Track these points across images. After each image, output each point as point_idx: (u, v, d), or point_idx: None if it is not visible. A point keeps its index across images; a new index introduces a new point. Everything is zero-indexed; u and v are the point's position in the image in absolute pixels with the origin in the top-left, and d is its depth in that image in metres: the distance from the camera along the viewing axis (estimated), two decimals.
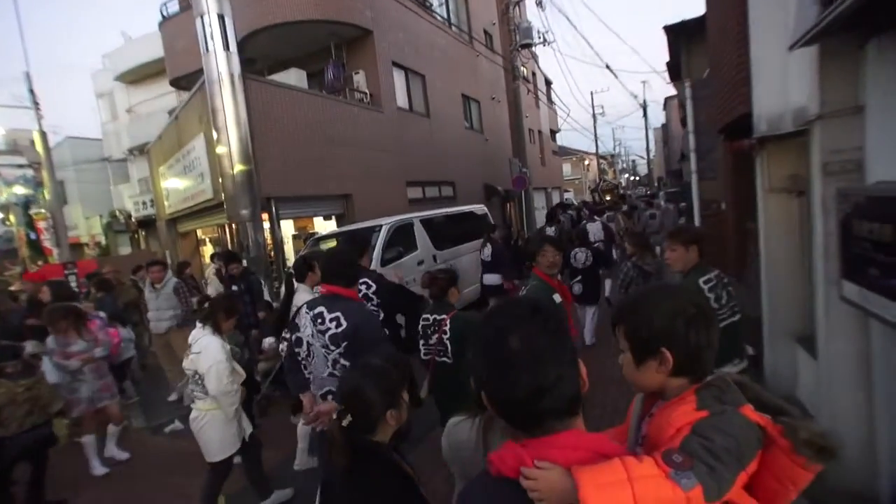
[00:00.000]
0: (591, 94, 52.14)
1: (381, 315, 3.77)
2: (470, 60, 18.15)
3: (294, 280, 4.20)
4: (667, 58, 19.59)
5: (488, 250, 7.61)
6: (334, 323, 2.51)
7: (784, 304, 4.45)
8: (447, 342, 3.06)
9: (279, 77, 9.72)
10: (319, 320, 2.54)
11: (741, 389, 1.13)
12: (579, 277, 6.56)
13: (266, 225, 8.95)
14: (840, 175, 3.20)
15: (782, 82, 3.82)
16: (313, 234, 9.91)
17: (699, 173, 6.02)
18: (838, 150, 3.21)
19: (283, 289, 5.27)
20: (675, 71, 19.83)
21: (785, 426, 1.04)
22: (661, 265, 4.72)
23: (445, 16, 16.66)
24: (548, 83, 32.64)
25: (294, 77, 9.97)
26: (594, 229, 8.95)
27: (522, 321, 0.98)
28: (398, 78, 13.34)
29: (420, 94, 14.49)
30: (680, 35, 15.76)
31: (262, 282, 6.66)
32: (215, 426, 3.23)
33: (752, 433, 1.03)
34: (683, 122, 22.34)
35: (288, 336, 2.82)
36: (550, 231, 10.16)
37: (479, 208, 10.43)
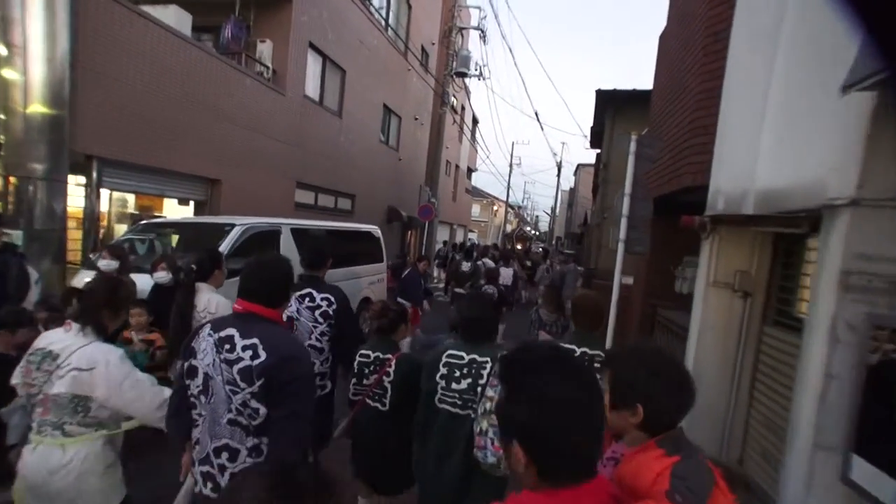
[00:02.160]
0: (513, 143, 53.04)
1: (327, 350, 3.37)
2: (400, 72, 17.30)
3: (191, 278, 3.52)
4: (590, 125, 20.01)
5: (406, 272, 7.87)
6: (249, 352, 1.90)
7: (701, 420, 3.63)
8: (387, 385, 2.80)
9: (152, 10, 7.68)
10: (227, 346, 1.93)
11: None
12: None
13: (80, 192, 6.76)
14: (865, 293, 2.22)
15: (751, 157, 3.19)
16: (152, 217, 7.80)
17: (627, 244, 4.91)
18: (871, 256, 2.22)
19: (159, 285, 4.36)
20: (596, 137, 20.31)
21: (723, 467, 1.40)
22: (563, 323, 5.26)
23: (385, 16, 15.40)
24: (475, 121, 32.91)
25: (174, 17, 8.03)
26: (506, 273, 9.93)
27: (582, 367, 1.06)
28: (313, 63, 11.99)
29: (336, 89, 13.24)
30: (609, 102, 15.80)
31: (29, 268, 4.58)
32: (97, 468, 2.28)
33: (710, 476, 1.26)
34: (595, 190, 22.96)
35: (179, 362, 2.15)
36: (466, 266, 10.36)
37: (374, 230, 9.41)
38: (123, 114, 7.31)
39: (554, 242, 51.05)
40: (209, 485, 1.97)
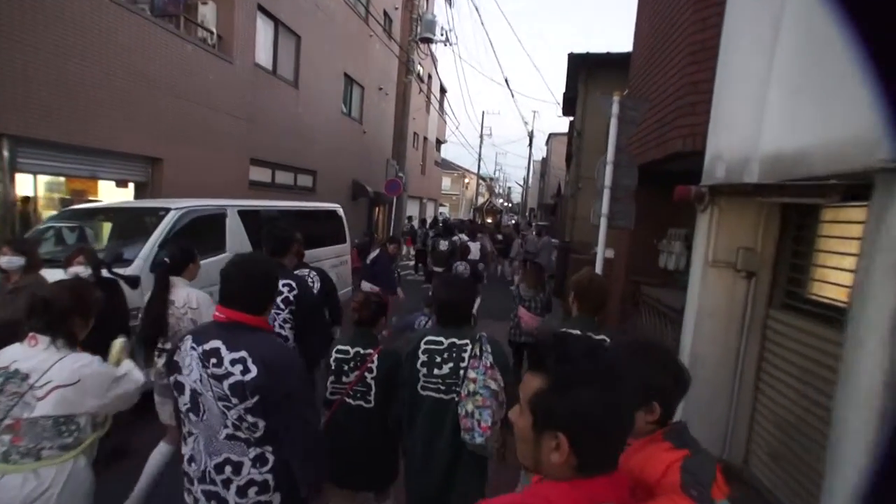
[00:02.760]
0: (483, 113, 52.33)
1: (291, 339, 3.26)
2: (361, 38, 16.61)
3: (165, 272, 3.38)
4: (562, 91, 19.60)
5: (374, 254, 7.56)
6: (238, 367, 1.80)
7: (700, 417, 3.25)
8: (371, 382, 2.69)
9: None
10: (213, 360, 1.82)
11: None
12: (464, 262, 7.63)
13: None
14: None
15: (755, 118, 2.80)
16: (85, 202, 7.08)
17: (610, 216, 4.63)
18: None
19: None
20: (569, 104, 19.86)
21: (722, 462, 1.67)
22: (543, 299, 5.28)
23: None
24: (443, 90, 32.37)
25: None
26: (474, 248, 10.00)
27: (618, 361, 1.06)
28: (263, 28, 11.27)
29: (290, 57, 12.55)
30: (582, 67, 15.36)
31: None
32: (80, 489, 2.14)
33: (713, 467, 1.29)
34: (568, 160, 22.63)
35: (164, 372, 2.20)
36: (444, 245, 10.36)
37: (336, 209, 8.99)
38: (42, 86, 6.52)
39: (527, 214, 51.15)
40: (213, 503, 1.88)
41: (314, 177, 14.28)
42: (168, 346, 3.15)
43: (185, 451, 1.95)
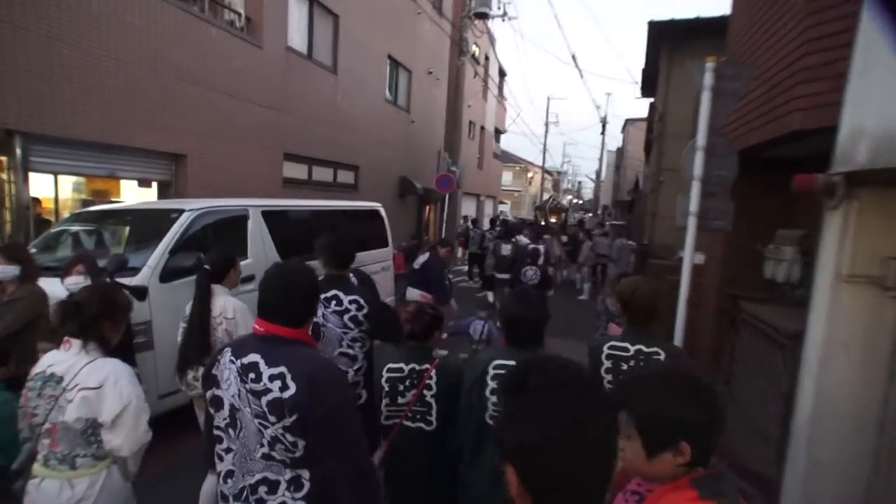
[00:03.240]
0: (548, 98, 51.49)
1: (360, 358, 3.36)
2: (407, 16, 16.51)
3: (206, 279, 3.54)
4: (640, 69, 18.91)
5: (423, 258, 7.42)
6: (277, 383, 1.87)
7: (824, 480, 2.77)
8: (431, 401, 2.78)
9: None
10: (252, 375, 1.91)
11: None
12: (535, 267, 7.93)
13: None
14: None
15: None
16: (102, 203, 7.16)
17: (702, 215, 4.21)
18: None
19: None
20: (649, 83, 19.15)
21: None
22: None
23: None
24: (502, 73, 32.10)
25: None
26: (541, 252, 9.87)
27: (596, 392, 1.13)
28: (297, 7, 11.30)
29: (328, 38, 12.54)
30: (665, 37, 14.69)
31: None
32: (115, 496, 2.37)
33: None
34: (647, 148, 21.95)
35: (202, 389, 2.12)
36: (507, 249, 10.27)
37: (377, 208, 8.95)
38: (55, 79, 6.62)
39: (599, 212, 49.92)
40: None
41: (356, 173, 14.34)
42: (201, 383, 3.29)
43: (222, 467, 2.02)
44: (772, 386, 4.01)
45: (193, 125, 8.69)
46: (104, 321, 2.44)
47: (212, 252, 3.89)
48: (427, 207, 20.26)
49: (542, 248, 9.67)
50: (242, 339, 2.10)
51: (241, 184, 9.46)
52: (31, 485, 2.32)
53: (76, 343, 2.38)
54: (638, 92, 21.22)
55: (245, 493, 1.96)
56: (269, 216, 6.34)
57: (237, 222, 5.95)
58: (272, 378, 1.89)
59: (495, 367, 2.47)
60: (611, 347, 2.73)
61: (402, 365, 2.87)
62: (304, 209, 7.31)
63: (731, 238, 5.44)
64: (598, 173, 46.45)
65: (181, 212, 5.33)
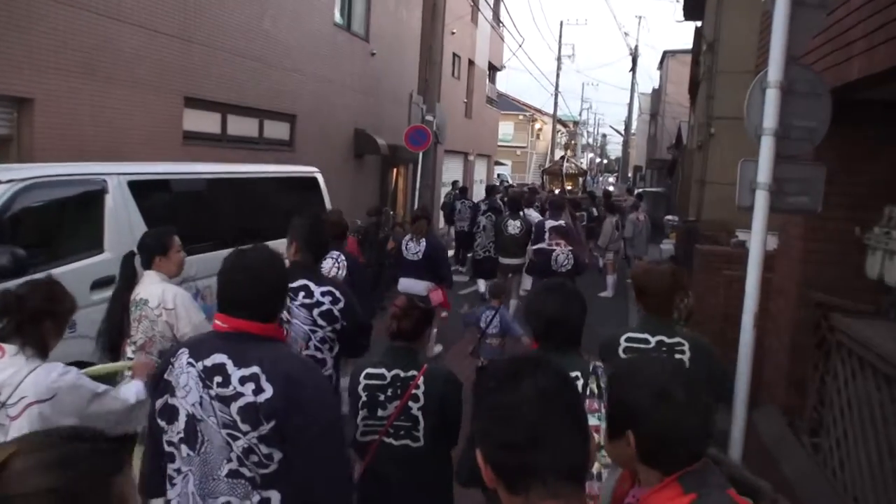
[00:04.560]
0: (561, 23, 51.24)
1: (329, 364, 3.86)
2: None
3: (133, 266, 4.26)
4: None
5: (420, 246, 8.03)
6: (250, 385, 2.16)
7: None
8: (417, 414, 3.09)
9: None
10: (218, 378, 2.19)
11: (719, 467, 1.71)
12: None
13: None
14: None
15: None
16: None
17: (776, 189, 4.14)
18: None
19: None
20: (695, 0, 18.77)
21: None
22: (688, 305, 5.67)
23: None
24: None
25: None
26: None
27: (547, 376, 1.51)
28: None
29: None
30: None
31: None
32: None
33: None
34: (693, 90, 21.79)
35: (150, 396, 2.56)
36: (515, 226, 10.70)
37: (313, 174, 9.16)
38: None
39: (631, 174, 49.83)
40: None
41: (291, 125, 14.39)
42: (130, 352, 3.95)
43: (170, 495, 2.25)
44: (890, 449, 3.75)
45: (47, 56, 8.28)
46: (46, 321, 2.79)
47: (146, 232, 4.56)
48: (394, 171, 20.53)
49: (563, 223, 9.91)
50: (199, 339, 2.38)
51: (119, 141, 9.19)
52: None
53: (10, 348, 2.69)
54: (679, 13, 21.54)
55: None
56: (141, 188, 6.21)
57: (88, 199, 5.78)
58: (243, 380, 2.15)
59: None
60: (628, 340, 3.22)
61: (383, 371, 3.14)
62: (198, 177, 7.16)
63: (818, 218, 5.25)
64: (628, 123, 46.38)
65: None
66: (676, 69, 35.93)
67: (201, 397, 2.18)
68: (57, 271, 5.18)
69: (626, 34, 48.47)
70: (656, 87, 44.95)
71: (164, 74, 10.27)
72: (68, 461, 1.19)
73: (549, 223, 9.72)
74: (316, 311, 3.64)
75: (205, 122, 11.60)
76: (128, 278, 4.16)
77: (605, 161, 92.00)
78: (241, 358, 2.18)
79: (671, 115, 35.42)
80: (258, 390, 2.12)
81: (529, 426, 1.35)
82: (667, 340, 3.13)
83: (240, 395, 2.13)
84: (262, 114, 13.21)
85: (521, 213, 11.47)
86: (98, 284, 5.53)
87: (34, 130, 8.14)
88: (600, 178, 58.51)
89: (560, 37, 48.95)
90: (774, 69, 4.00)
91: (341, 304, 3.74)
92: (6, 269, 4.89)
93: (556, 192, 23.53)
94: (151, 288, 4.03)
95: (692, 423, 1.63)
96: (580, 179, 29.71)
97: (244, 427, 2.12)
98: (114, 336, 4.08)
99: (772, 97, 4.00)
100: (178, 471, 2.22)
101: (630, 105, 44.02)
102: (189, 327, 3.94)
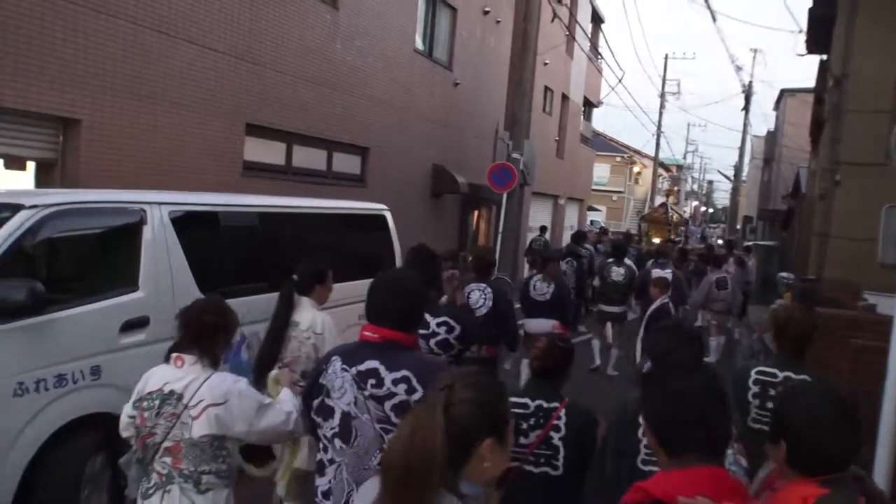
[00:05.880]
0: (666, 57, 50.39)
1: None
2: None
3: (293, 291, 5.04)
4: (806, 9, 17.95)
5: (549, 287, 8.94)
6: (402, 387, 2.77)
7: None
8: (558, 444, 3.51)
9: None
10: (372, 381, 2.81)
11: (858, 482, 2.29)
12: None
13: None
14: None
15: None
16: None
17: None
18: None
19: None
20: (819, 30, 18.18)
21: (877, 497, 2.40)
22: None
23: None
24: (597, 19, 32.42)
25: None
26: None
27: (702, 374, 2.35)
28: None
29: None
30: None
31: None
32: None
33: None
34: (815, 132, 21.02)
35: (305, 398, 3.18)
36: (619, 273, 11.36)
37: (382, 213, 9.04)
38: None
39: (739, 226, 48.36)
40: None
41: (363, 158, 14.49)
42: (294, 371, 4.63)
43: (321, 482, 2.91)
44: None
45: (96, 74, 8.42)
46: (220, 335, 3.48)
47: (302, 262, 5.30)
48: (475, 213, 20.82)
49: (667, 275, 10.27)
50: (349, 348, 2.99)
51: (173, 168, 9.32)
52: None
53: (189, 358, 3.35)
54: (801, 46, 21.40)
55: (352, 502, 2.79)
56: (184, 221, 6.02)
57: (124, 231, 5.70)
58: (396, 382, 2.74)
59: None
60: (759, 373, 3.96)
61: (526, 400, 3.56)
62: (250, 210, 7.06)
63: None
64: (738, 168, 45.18)
65: (16, 209, 5.00)
66: (795, 109, 34.96)
67: (356, 398, 2.80)
68: (83, 310, 5.26)
69: (739, 68, 47.26)
70: (771, 129, 43.80)
71: (225, 98, 10.47)
72: (479, 385, 1.93)
73: (656, 272, 10.17)
74: (432, 342, 4.59)
75: (267, 151, 11.76)
76: (289, 304, 4.94)
77: (712, 210, 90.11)
78: (392, 364, 2.78)
79: (788, 160, 34.59)
80: (411, 390, 2.72)
81: (698, 407, 2.01)
82: (794, 376, 3.78)
83: (394, 394, 2.74)
84: (331, 145, 13.35)
85: (625, 260, 11.93)
86: (129, 326, 5.39)
87: (80, 154, 8.27)
88: (706, 229, 57.04)
89: (665, 71, 48.49)
90: None
91: (457, 332, 4.72)
92: (23, 306, 4.78)
93: (658, 241, 23.39)
94: (304, 313, 4.92)
95: (837, 447, 2.18)
96: (681, 229, 29.11)
97: (397, 421, 2.62)
98: (270, 353, 4.85)
99: None
100: (332, 461, 2.86)
101: (741, 148, 42.90)
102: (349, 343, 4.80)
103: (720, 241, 32.43)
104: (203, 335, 3.43)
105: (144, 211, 5.71)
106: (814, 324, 4.10)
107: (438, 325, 4.53)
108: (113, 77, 8.66)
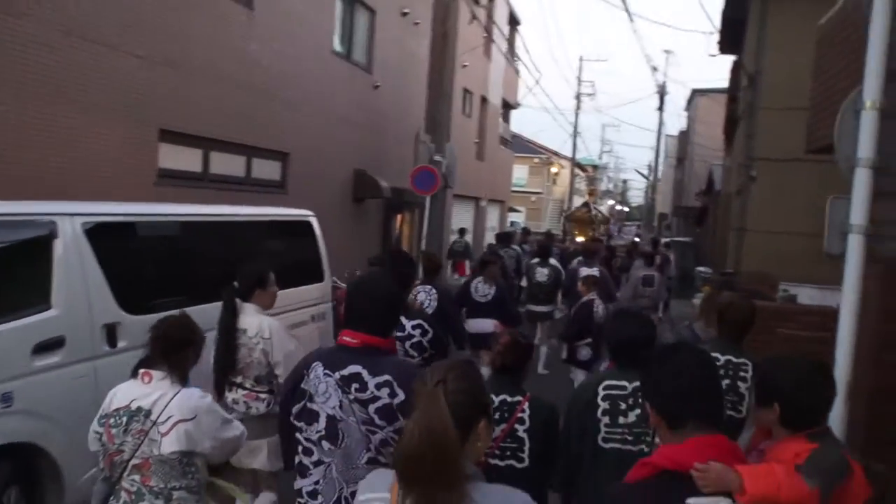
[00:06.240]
0: (581, 60, 51.35)
1: None
2: None
3: (232, 296, 5.05)
4: (719, 10, 18.48)
5: (489, 289, 9.32)
6: (385, 390, 2.94)
7: None
8: (524, 436, 3.71)
9: None
10: (356, 385, 2.98)
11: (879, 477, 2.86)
12: (590, 339, 8.97)
13: None
14: None
15: None
16: None
17: (876, 231, 4.33)
18: None
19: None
20: (732, 30, 18.74)
21: (864, 463, 2.69)
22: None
23: None
24: (513, 21, 32.72)
25: None
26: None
27: (694, 353, 2.49)
28: None
29: None
30: None
31: None
32: None
33: (844, 463, 2.51)
34: (729, 130, 21.61)
35: (284, 403, 3.34)
36: (543, 273, 11.63)
37: (307, 219, 8.95)
38: None
39: (656, 223, 49.51)
40: None
41: (283, 163, 14.42)
42: (238, 379, 4.91)
43: (305, 483, 3.06)
44: None
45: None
46: (188, 350, 3.62)
47: (242, 266, 5.33)
48: (398, 217, 20.69)
49: (594, 272, 10.71)
50: (330, 352, 3.20)
51: (80, 177, 8.95)
52: None
53: (157, 374, 3.46)
54: (713, 47, 22.03)
55: (344, 501, 2.97)
56: (99, 233, 5.72)
57: (32, 245, 5.43)
58: (379, 386, 2.94)
59: (605, 388, 3.54)
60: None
61: (491, 396, 3.40)
62: (170, 220, 6.83)
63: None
64: (655, 167, 46.24)
65: None
66: (707, 108, 36.09)
67: (340, 401, 2.95)
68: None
69: (654, 69, 48.38)
70: (684, 129, 44.94)
71: (137, 102, 10.12)
72: (468, 375, 2.10)
73: (584, 271, 10.75)
74: (408, 344, 4.84)
75: (183, 158, 11.50)
76: (232, 311, 4.93)
77: (627, 209, 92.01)
78: (374, 368, 2.94)
79: (700, 158, 35.69)
80: (393, 394, 2.89)
81: (694, 379, 2.18)
82: (734, 360, 4.13)
83: (377, 398, 2.90)
84: (249, 150, 13.21)
85: (550, 260, 12.29)
86: (43, 348, 5.12)
87: None
88: (623, 227, 58.21)
89: (580, 73, 49.32)
90: (871, 87, 3.96)
91: (430, 336, 4.94)
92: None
93: (581, 239, 24.10)
94: (249, 319, 4.94)
95: (820, 401, 2.66)
96: (601, 228, 29.70)
97: (381, 423, 2.89)
98: (225, 364, 4.90)
99: (868, 121, 3.97)
100: (319, 462, 3.00)
101: (657, 147, 43.90)
102: (281, 355, 4.83)
103: (637, 239, 33.18)
104: (172, 350, 3.54)
105: (55, 223, 5.40)
106: (753, 309, 4.43)
107: (413, 327, 4.77)
108: (12, 80, 8.33)
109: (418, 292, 6.77)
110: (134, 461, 3.34)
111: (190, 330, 3.71)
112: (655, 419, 2.31)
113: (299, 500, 3.07)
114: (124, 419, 3.34)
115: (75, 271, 5.45)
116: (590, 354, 8.93)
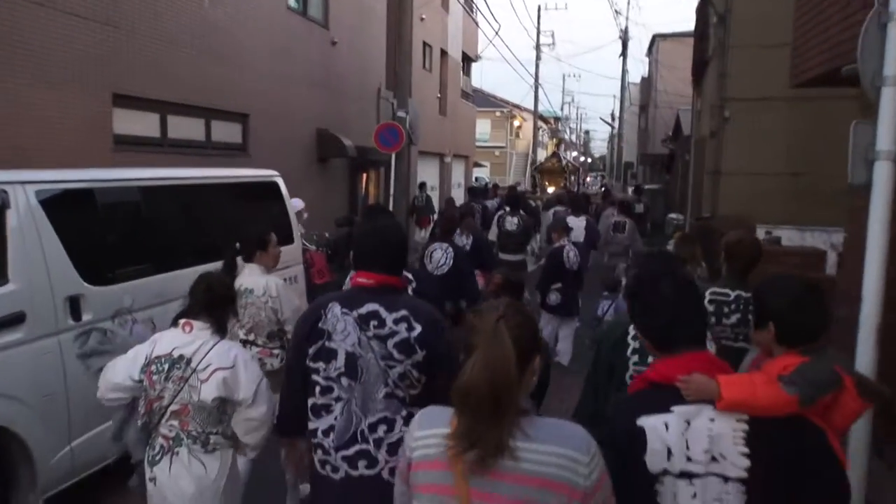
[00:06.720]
0: (539, 7, 50.73)
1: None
2: None
3: (233, 257, 5.42)
4: None
5: (467, 239, 9.29)
6: (403, 325, 3.13)
7: None
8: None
9: None
10: (374, 322, 3.15)
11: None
12: (560, 284, 9.31)
13: None
14: None
15: None
16: None
17: None
18: None
19: None
20: None
21: (856, 376, 2.86)
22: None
23: None
24: None
25: None
26: (577, 226, 11.94)
27: (678, 277, 2.86)
28: None
29: None
30: None
31: None
32: (237, 479, 4.05)
33: (834, 376, 2.60)
34: (697, 72, 21.49)
35: (299, 346, 3.36)
36: (513, 223, 11.88)
37: (272, 179, 8.87)
38: None
39: (623, 173, 49.63)
40: (362, 463, 3.13)
41: (244, 125, 14.28)
42: (251, 337, 5.38)
43: (322, 422, 3.18)
44: None
45: None
46: (229, 305, 4.00)
47: (246, 229, 5.74)
48: (363, 176, 20.62)
49: (581, 221, 11.75)
50: (347, 294, 3.43)
51: (32, 146, 8.76)
52: (158, 471, 3.63)
53: (198, 324, 3.75)
54: None
55: (362, 434, 3.13)
56: (55, 202, 5.53)
57: None
58: (396, 321, 3.14)
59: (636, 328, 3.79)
60: (712, 293, 4.35)
61: None
62: (131, 185, 6.58)
63: None
64: (619, 116, 46.21)
65: None
66: (670, 52, 35.84)
67: (359, 338, 3.11)
68: None
69: (617, 13, 48.20)
70: (646, 75, 44.71)
71: (90, 67, 9.91)
72: (523, 311, 2.22)
73: (571, 220, 11.66)
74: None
75: (139, 123, 11.37)
76: (230, 267, 5.23)
77: (590, 160, 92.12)
78: (391, 305, 3.13)
79: (665, 104, 35.35)
80: (410, 328, 3.08)
81: (676, 309, 2.44)
82: (744, 295, 4.23)
83: (395, 333, 3.09)
84: (208, 113, 13.04)
85: (520, 210, 12.55)
86: (2, 324, 4.87)
87: None
88: (588, 178, 58.30)
89: (539, 22, 48.76)
90: None
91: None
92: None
93: (552, 189, 23.95)
94: (255, 279, 5.29)
95: (814, 319, 2.75)
96: (569, 178, 29.69)
97: (400, 357, 3.08)
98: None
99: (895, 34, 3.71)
100: (338, 398, 3.14)
101: (622, 94, 43.77)
102: (290, 311, 5.21)
103: (603, 189, 33.20)
104: (215, 304, 3.81)
105: (6, 192, 5.15)
106: (760, 245, 4.67)
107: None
108: None
109: (434, 249, 7.01)
110: (173, 407, 3.58)
111: (233, 290, 4.18)
112: (648, 344, 2.60)
113: (313, 439, 3.18)
114: (165, 366, 3.59)
115: (32, 243, 5.22)
116: (559, 299, 9.13)
